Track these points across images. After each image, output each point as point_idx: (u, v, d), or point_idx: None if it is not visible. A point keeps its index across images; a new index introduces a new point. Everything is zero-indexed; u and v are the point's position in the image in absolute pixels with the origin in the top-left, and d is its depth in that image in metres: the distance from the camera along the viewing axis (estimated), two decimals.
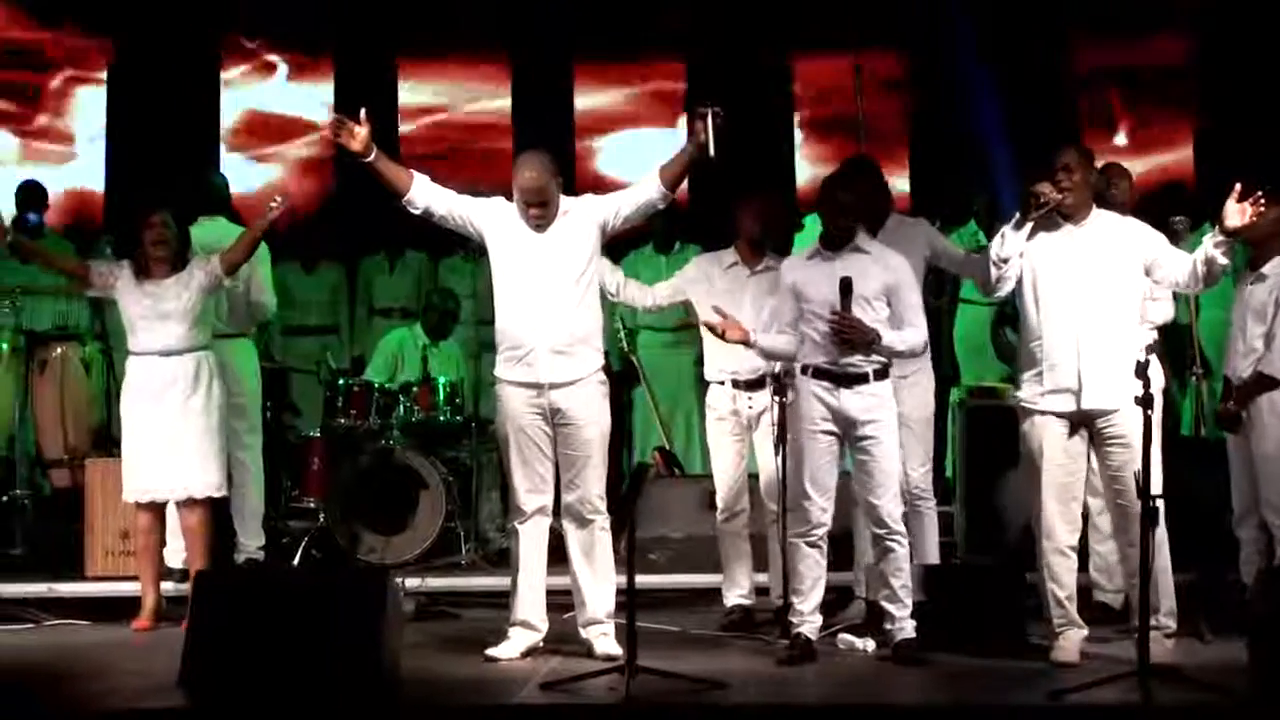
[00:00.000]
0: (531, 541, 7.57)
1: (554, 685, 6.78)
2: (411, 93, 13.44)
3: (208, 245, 8.77)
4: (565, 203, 7.55)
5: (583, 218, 7.55)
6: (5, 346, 9.93)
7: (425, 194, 7.56)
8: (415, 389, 9.99)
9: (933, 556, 8.25)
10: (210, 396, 8.45)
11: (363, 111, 7.44)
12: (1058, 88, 12.74)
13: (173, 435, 8.39)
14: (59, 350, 9.81)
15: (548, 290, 7.45)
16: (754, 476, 8.46)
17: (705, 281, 8.50)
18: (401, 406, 9.92)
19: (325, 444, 10.09)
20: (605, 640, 7.43)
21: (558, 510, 7.66)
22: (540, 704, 6.62)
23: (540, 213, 7.46)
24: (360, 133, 7.43)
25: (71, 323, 10.42)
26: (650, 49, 13.33)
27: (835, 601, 8.20)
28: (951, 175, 11.99)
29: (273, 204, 8.38)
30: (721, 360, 8.41)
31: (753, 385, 8.34)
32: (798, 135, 13.34)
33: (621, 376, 10.66)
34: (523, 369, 7.49)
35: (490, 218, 7.59)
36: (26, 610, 8.82)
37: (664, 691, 6.66)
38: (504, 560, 8.25)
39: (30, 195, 10.98)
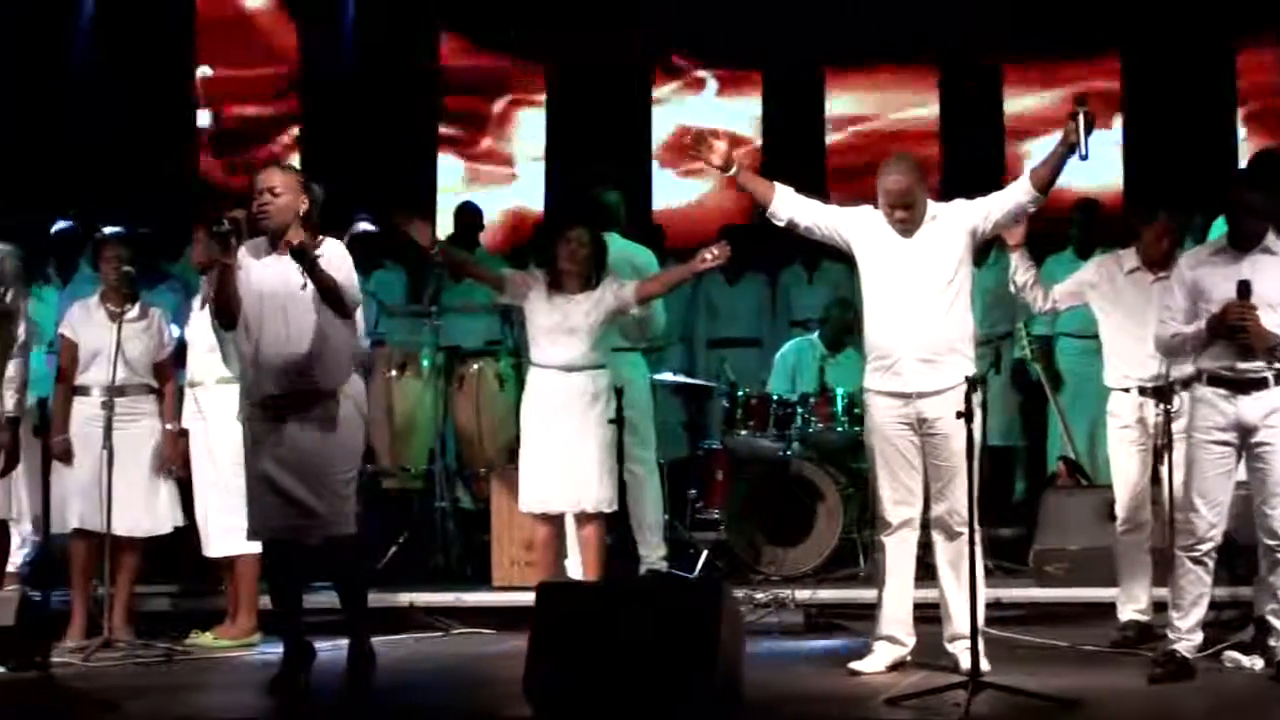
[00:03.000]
0: (898, 554, 7.46)
1: (899, 700, 6.65)
2: (839, 103, 13.39)
3: None
4: (933, 208, 7.42)
5: (951, 223, 7.39)
6: (426, 363, 10.27)
7: (789, 206, 7.52)
8: (813, 400, 9.96)
9: None
10: (606, 413, 8.52)
11: (718, 128, 7.47)
12: None
13: (569, 449, 8.51)
14: (476, 366, 10.09)
15: (915, 297, 7.32)
16: (1158, 486, 8.10)
17: (1106, 284, 8.24)
18: (799, 417, 9.91)
19: (727, 455, 10.14)
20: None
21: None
22: (878, 719, 6.51)
23: (906, 216, 7.33)
24: (720, 148, 7.46)
25: (498, 338, 10.75)
26: (1082, 48, 12.98)
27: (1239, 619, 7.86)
28: None
29: (707, 255, 8.40)
30: (1125, 366, 8.13)
31: (1159, 392, 8.00)
32: (1240, 131, 12.75)
33: (1036, 386, 10.42)
34: (890, 378, 7.38)
35: (857, 226, 7.50)
36: (438, 619, 9.14)
37: (1009, 708, 6.46)
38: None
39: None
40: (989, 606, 7.89)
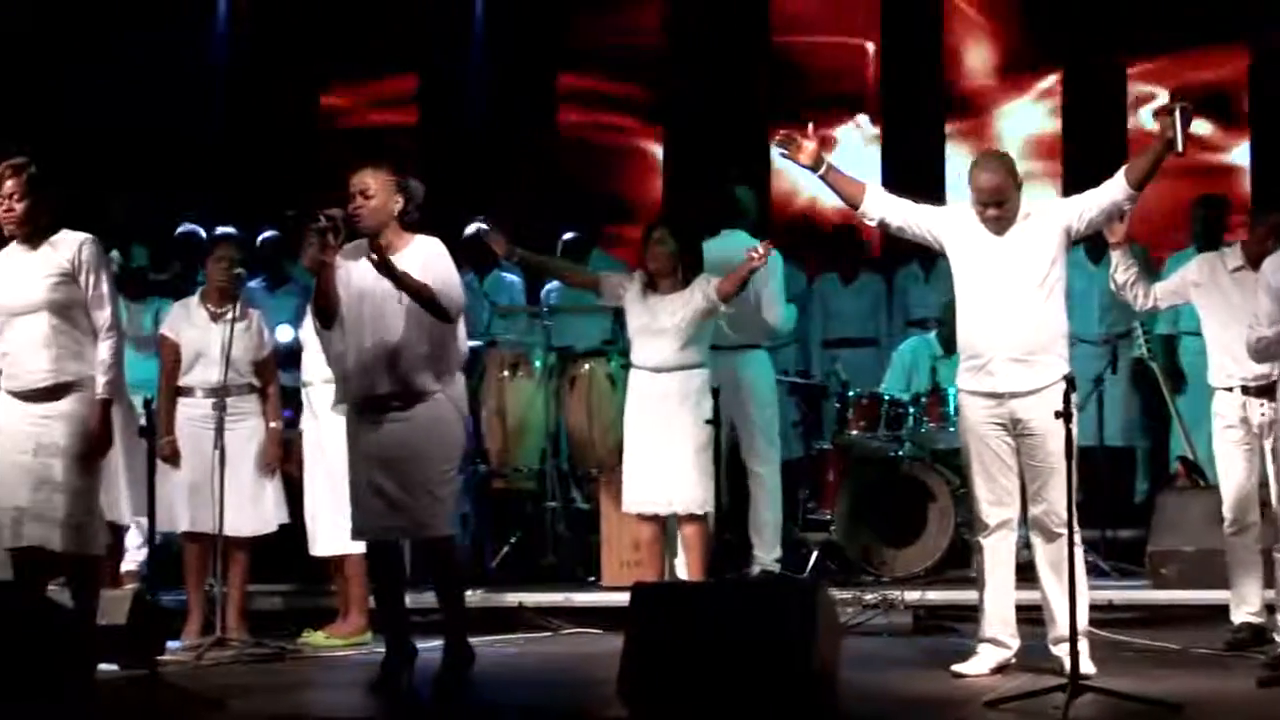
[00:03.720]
0: (996, 556, 7.38)
1: (998, 703, 6.56)
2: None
3: (725, 258, 8.83)
4: (1026, 205, 7.31)
5: (1045, 221, 7.29)
6: (538, 364, 10.29)
7: (879, 205, 7.45)
8: (925, 400, 9.87)
9: None
10: (701, 413, 8.40)
11: (810, 125, 7.41)
12: None
13: (662, 450, 8.52)
14: (587, 366, 10.08)
15: (1007, 296, 7.22)
16: (1265, 487, 7.96)
17: (1209, 283, 8.12)
18: (911, 418, 9.82)
19: (839, 456, 10.07)
20: None
21: None
22: None
23: (998, 213, 7.23)
24: (808, 146, 7.39)
25: (612, 339, 10.74)
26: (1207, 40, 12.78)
27: None
28: None
29: (753, 254, 8.36)
30: (1228, 365, 7.99)
31: (1264, 391, 7.85)
32: None
33: (1157, 385, 10.25)
34: (982, 378, 7.29)
35: (949, 224, 7.41)
36: (547, 619, 9.16)
37: (1109, 711, 6.37)
38: (1023, 573, 8.04)
39: None
40: (1102, 609, 7.86)
